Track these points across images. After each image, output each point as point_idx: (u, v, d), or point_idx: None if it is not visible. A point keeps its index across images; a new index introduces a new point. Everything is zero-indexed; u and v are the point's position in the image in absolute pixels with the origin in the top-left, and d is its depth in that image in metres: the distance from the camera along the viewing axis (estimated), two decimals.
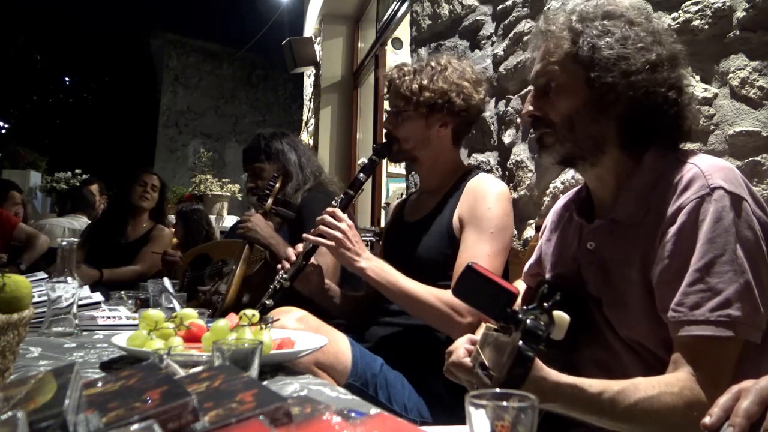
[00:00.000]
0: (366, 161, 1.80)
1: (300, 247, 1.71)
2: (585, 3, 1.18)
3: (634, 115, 1.09)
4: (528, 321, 0.74)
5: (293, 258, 1.71)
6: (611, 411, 0.92)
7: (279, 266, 1.75)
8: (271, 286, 1.71)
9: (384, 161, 4.65)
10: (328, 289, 1.82)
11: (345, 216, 1.63)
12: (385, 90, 1.83)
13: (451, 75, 1.69)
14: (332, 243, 1.59)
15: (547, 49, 1.15)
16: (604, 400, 0.91)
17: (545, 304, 0.76)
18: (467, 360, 1.04)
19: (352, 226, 1.62)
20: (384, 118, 1.83)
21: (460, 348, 1.08)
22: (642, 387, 0.93)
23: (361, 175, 1.77)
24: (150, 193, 3.53)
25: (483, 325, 1.28)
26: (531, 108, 1.18)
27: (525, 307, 0.77)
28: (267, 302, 1.68)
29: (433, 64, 1.72)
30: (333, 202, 1.70)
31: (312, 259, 1.72)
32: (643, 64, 1.06)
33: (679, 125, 1.11)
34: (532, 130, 1.22)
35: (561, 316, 0.82)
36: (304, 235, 1.67)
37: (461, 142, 1.84)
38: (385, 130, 1.80)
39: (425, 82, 1.68)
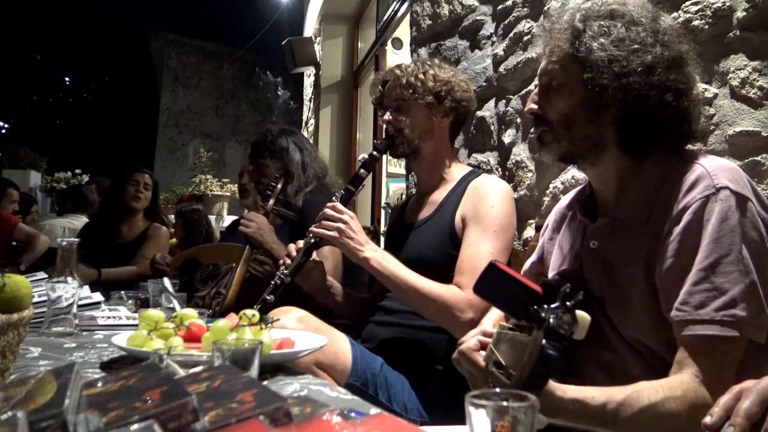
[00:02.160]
0: (366, 157, 1.80)
1: (301, 243, 1.71)
2: (595, 1, 1.17)
3: (630, 117, 1.08)
4: (551, 320, 0.73)
5: (294, 254, 1.71)
6: (615, 421, 0.91)
7: (280, 262, 1.76)
8: (272, 282, 1.71)
9: (384, 161, 4.67)
10: (331, 286, 1.82)
11: (346, 209, 1.65)
12: (377, 92, 1.86)
13: (449, 71, 1.79)
14: (335, 234, 1.60)
15: (551, 47, 1.17)
16: (608, 411, 0.91)
17: (568, 303, 0.76)
18: (478, 355, 1.03)
19: (354, 218, 1.64)
20: (380, 117, 1.85)
21: (472, 338, 1.07)
22: (645, 393, 0.92)
23: (362, 171, 1.78)
24: (143, 193, 3.47)
25: (486, 324, 1.28)
26: (534, 105, 1.19)
27: (547, 306, 0.76)
28: (268, 297, 1.69)
29: (428, 62, 1.81)
30: (333, 198, 1.71)
31: (314, 255, 1.72)
32: (637, 65, 1.05)
33: (680, 128, 1.09)
34: (533, 128, 1.23)
35: (583, 315, 0.82)
36: (310, 228, 1.68)
37: (455, 139, 1.86)
38: (385, 126, 1.81)
39: (431, 72, 1.76)
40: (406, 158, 1.86)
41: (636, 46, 1.06)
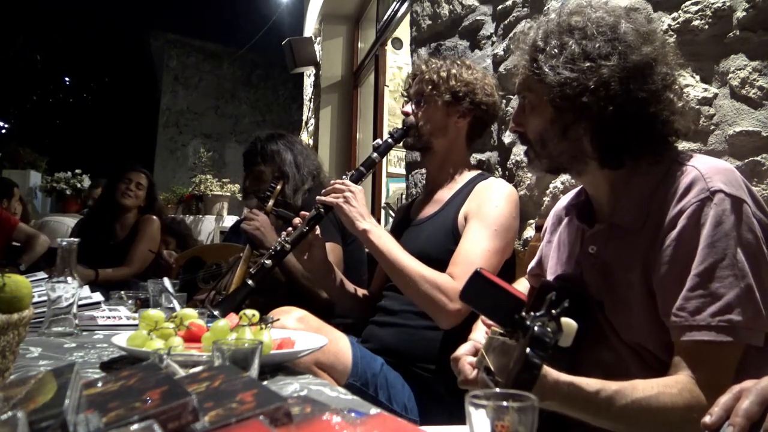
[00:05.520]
0: (381, 142, 1.82)
1: (306, 214, 1.74)
2: (560, 11, 1.16)
3: (597, 133, 1.08)
4: (536, 328, 0.74)
5: (298, 223, 1.73)
6: (608, 410, 0.92)
7: (284, 231, 1.78)
8: (272, 247, 1.73)
9: (384, 161, 4.66)
10: (331, 271, 1.83)
11: (353, 184, 1.68)
12: (408, 83, 1.88)
13: (475, 72, 1.79)
14: (339, 201, 1.63)
15: (520, 66, 1.17)
16: (601, 399, 0.91)
17: (553, 311, 0.76)
18: (475, 373, 1.03)
19: (361, 191, 1.67)
20: (403, 107, 1.89)
21: (466, 365, 1.08)
22: (640, 387, 0.93)
23: (375, 155, 1.81)
24: (134, 191, 3.42)
25: (480, 329, 1.28)
26: (513, 124, 1.22)
27: (533, 314, 0.77)
28: (266, 262, 1.70)
29: (458, 62, 1.82)
30: (344, 175, 1.74)
31: (317, 231, 1.75)
32: (591, 83, 1.04)
33: (655, 133, 1.07)
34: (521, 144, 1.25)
35: (569, 323, 0.82)
36: (317, 197, 1.70)
37: (473, 142, 1.87)
38: (403, 116, 1.84)
39: (453, 71, 1.76)
40: (418, 152, 1.88)
41: (588, 63, 1.05)
